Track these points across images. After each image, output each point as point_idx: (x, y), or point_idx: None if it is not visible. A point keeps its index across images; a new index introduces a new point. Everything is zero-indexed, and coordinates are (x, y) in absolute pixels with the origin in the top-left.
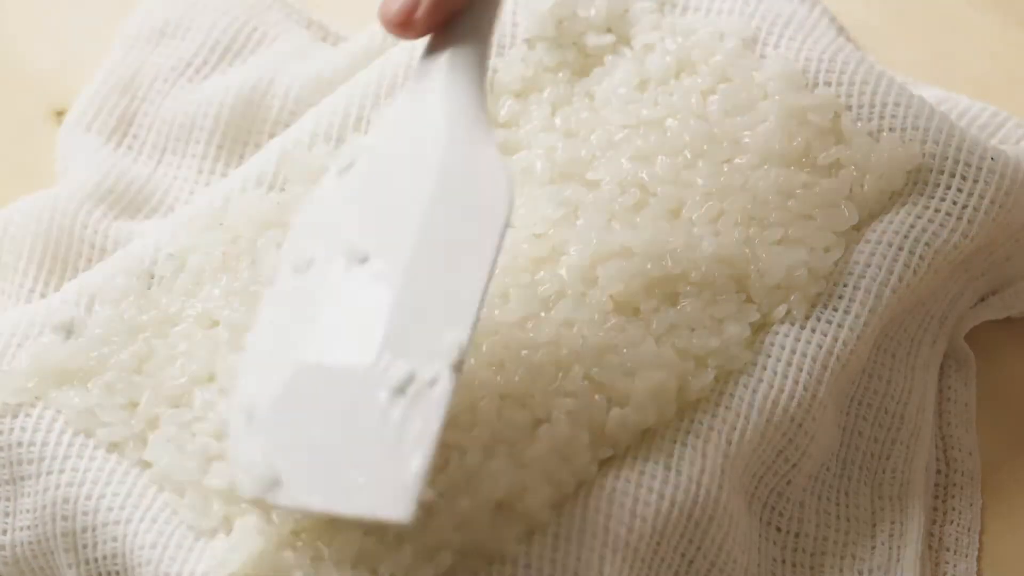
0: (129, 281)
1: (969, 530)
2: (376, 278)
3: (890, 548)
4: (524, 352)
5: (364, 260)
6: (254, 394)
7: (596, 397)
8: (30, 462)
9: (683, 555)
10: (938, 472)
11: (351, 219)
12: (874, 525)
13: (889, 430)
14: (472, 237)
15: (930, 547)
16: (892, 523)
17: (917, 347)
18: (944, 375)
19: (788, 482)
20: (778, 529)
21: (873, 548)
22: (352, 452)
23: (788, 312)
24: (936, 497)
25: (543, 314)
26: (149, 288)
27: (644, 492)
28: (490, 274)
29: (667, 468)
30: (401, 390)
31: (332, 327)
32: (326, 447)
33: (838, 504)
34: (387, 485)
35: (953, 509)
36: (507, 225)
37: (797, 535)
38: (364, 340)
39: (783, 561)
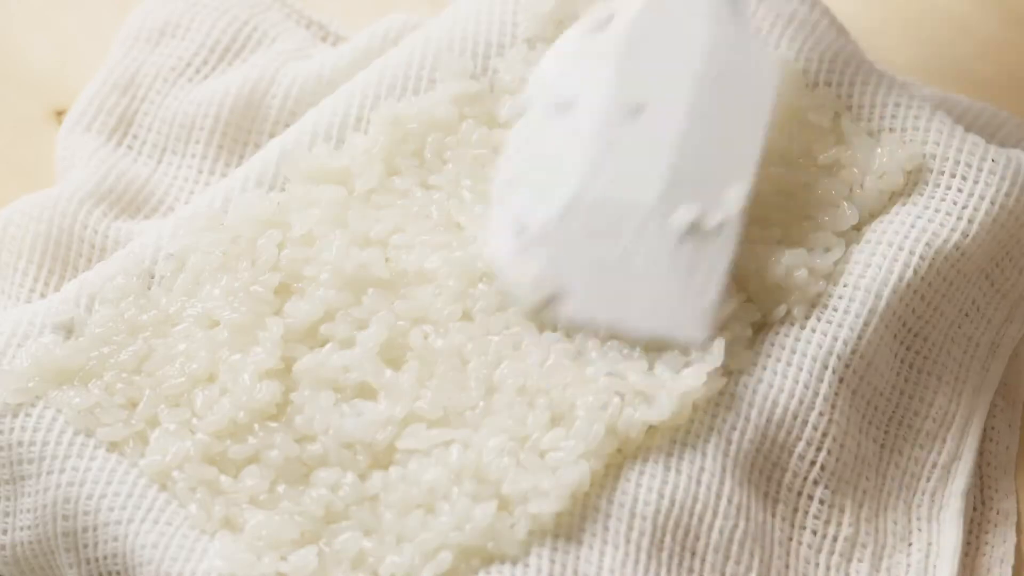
0: (129, 281)
1: (1002, 562)
2: (653, 128)
3: (925, 569)
4: (538, 347)
5: (638, 111)
6: (523, 211)
7: (615, 396)
8: (30, 462)
9: (693, 553)
10: (975, 509)
11: (616, 73)
12: (910, 544)
13: (930, 452)
14: (745, 102)
15: None
16: (929, 544)
17: (966, 373)
18: (990, 415)
19: (815, 483)
20: (813, 532)
21: (908, 567)
22: (639, 278)
23: (788, 312)
24: (970, 532)
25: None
26: (149, 288)
27: (644, 491)
28: (765, 137)
29: (667, 468)
30: (688, 231)
31: (612, 165)
32: (611, 271)
33: (877, 515)
34: (682, 310)
35: (987, 543)
36: (776, 97)
37: (835, 539)
38: (647, 182)
39: (817, 564)
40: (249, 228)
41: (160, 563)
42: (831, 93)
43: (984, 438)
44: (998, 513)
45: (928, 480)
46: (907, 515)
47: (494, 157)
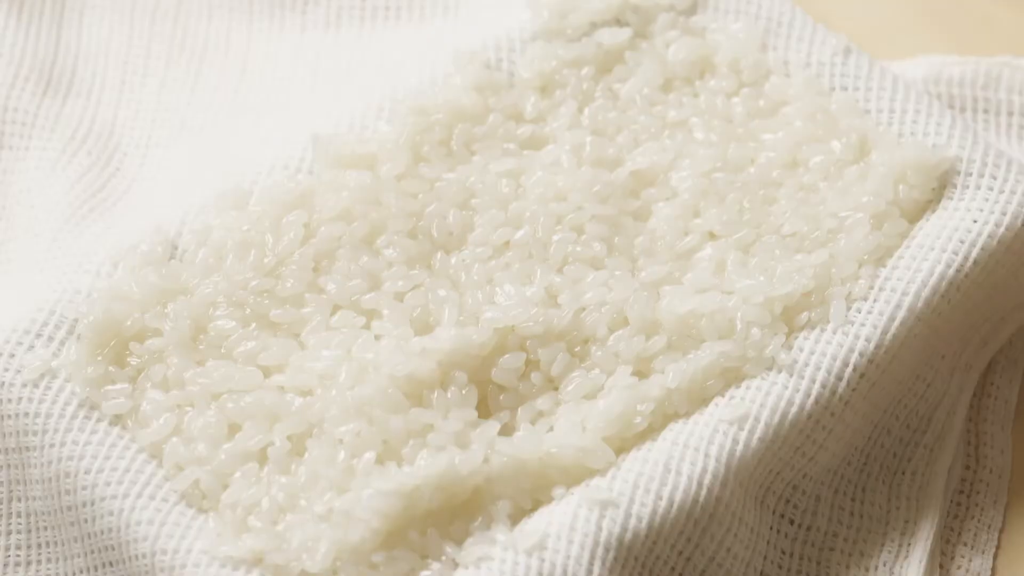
0: (153, 250)
1: (989, 527)
2: None
3: (899, 545)
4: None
5: None
6: None
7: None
8: (35, 433)
9: (680, 553)
10: (967, 467)
11: None
12: (887, 523)
13: (915, 432)
14: None
15: (948, 541)
16: (906, 522)
17: (964, 346)
18: (991, 371)
19: (804, 475)
20: (791, 522)
21: (882, 545)
22: None
23: (810, 319)
24: (961, 492)
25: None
26: (170, 260)
27: (641, 493)
28: None
29: (667, 469)
30: None
31: None
32: None
33: (853, 500)
34: None
35: (976, 505)
36: None
37: (809, 528)
38: None
39: (791, 554)
40: (275, 208)
41: (156, 539)
42: (850, 97)
43: (983, 394)
44: (991, 472)
45: (910, 460)
46: (886, 495)
47: (519, 151)
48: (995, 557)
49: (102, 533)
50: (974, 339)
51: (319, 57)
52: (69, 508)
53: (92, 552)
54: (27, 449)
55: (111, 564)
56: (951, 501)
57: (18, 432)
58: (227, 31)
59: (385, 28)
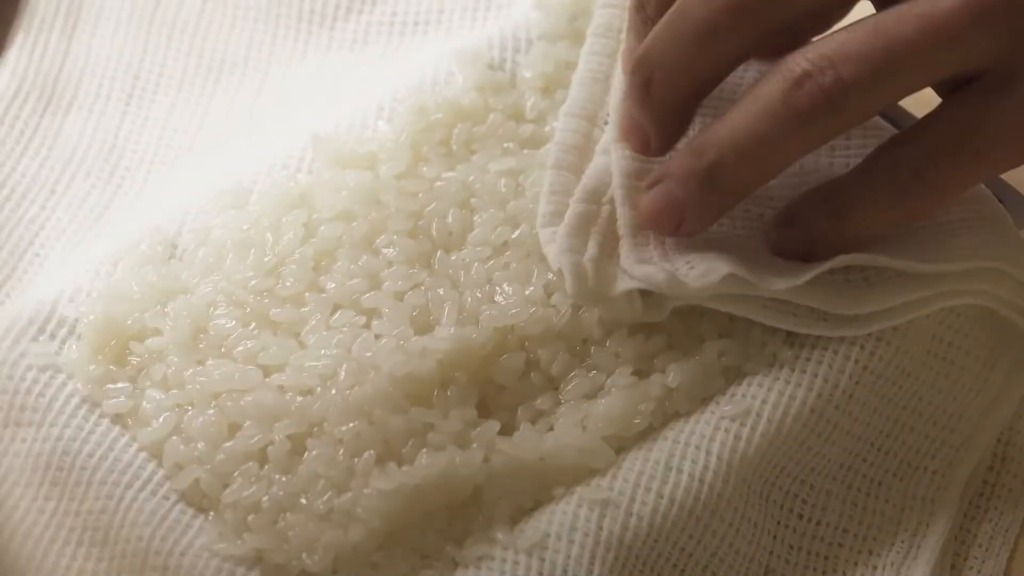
0: (153, 250)
1: (1006, 531)
2: None
3: (909, 546)
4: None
5: None
6: None
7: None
8: (35, 411)
9: (683, 549)
10: (990, 469)
11: None
12: (899, 523)
13: (943, 430)
14: None
15: (963, 543)
16: (918, 523)
17: (1001, 343)
18: None
19: (811, 470)
20: (800, 516)
21: (892, 545)
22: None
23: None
24: (981, 495)
25: None
26: (170, 259)
27: (642, 492)
28: None
29: (668, 467)
30: None
31: None
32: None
33: (868, 495)
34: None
35: (995, 508)
36: None
37: (819, 523)
38: None
39: (799, 548)
40: (274, 208)
41: (151, 540)
42: None
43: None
44: (1015, 477)
45: (934, 458)
46: (902, 493)
47: (519, 151)
48: (1010, 560)
49: (91, 513)
50: (1014, 341)
51: (341, 78)
52: (55, 484)
53: None
54: (16, 425)
55: None
56: (969, 503)
57: (13, 407)
58: (247, 48)
59: (412, 43)
